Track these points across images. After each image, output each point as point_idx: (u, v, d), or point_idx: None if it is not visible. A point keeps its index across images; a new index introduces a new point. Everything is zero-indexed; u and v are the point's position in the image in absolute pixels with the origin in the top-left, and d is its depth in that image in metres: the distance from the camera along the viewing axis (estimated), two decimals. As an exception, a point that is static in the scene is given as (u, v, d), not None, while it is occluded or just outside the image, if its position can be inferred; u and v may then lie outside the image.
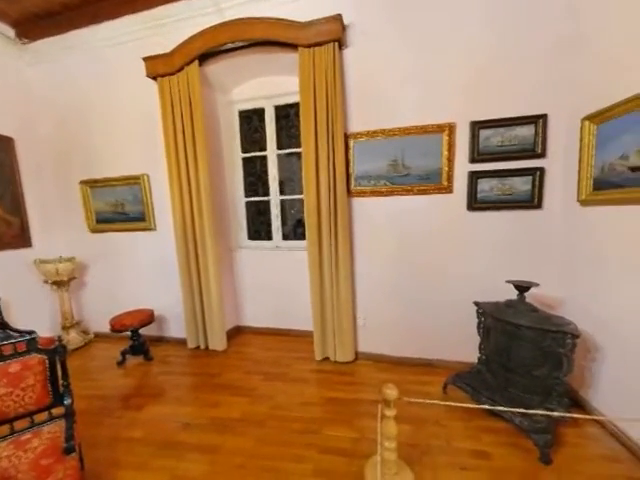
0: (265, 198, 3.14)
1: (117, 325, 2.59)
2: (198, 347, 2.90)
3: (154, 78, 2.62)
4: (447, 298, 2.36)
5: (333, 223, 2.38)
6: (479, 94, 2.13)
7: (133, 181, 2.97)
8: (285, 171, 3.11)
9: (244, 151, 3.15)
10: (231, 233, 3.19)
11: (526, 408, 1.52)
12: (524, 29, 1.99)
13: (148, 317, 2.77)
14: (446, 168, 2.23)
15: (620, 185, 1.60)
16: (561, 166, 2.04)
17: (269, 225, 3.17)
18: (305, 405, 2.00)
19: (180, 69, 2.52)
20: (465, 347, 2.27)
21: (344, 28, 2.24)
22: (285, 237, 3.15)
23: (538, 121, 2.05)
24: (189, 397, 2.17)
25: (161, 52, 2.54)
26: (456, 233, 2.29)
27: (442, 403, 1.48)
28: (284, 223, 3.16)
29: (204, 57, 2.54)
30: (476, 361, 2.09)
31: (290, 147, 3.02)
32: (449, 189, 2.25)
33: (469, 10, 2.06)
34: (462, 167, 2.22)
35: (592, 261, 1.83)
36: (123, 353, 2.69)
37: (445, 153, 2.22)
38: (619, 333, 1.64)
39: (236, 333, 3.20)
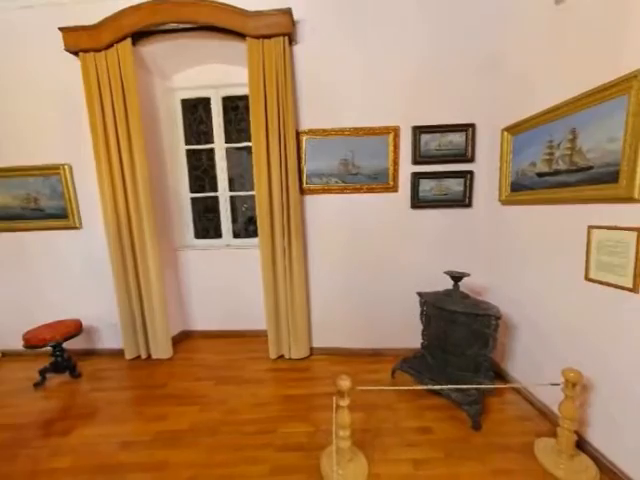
0: (213, 194, 2.97)
1: (33, 340, 2.21)
2: (138, 357, 2.63)
3: (75, 53, 2.27)
4: (394, 290, 2.53)
5: (286, 220, 2.36)
6: (419, 101, 2.30)
7: (50, 171, 2.54)
8: (235, 166, 2.98)
9: (188, 143, 2.93)
10: (175, 231, 2.95)
11: (460, 384, 1.72)
12: (457, 45, 2.21)
13: (74, 328, 2.42)
14: (392, 169, 2.38)
15: (530, 187, 1.90)
16: (487, 170, 2.33)
17: (218, 223, 3.01)
18: (260, 406, 1.97)
19: (109, 46, 2.22)
20: (411, 334, 2.46)
21: (294, 23, 2.22)
22: (236, 235, 3.03)
23: (468, 129, 2.30)
24: (129, 413, 1.96)
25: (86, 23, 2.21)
26: (401, 229, 2.46)
27: (390, 388, 1.61)
28: (235, 221, 3.03)
29: (140, 35, 2.29)
30: (419, 346, 2.29)
31: (240, 141, 2.90)
32: (395, 188, 2.41)
33: (411, 22, 2.21)
34: (406, 168, 2.39)
35: (509, 252, 2.14)
36: (42, 372, 2.31)
37: (391, 155, 2.36)
38: (527, 312, 1.96)
39: (183, 338, 2.99)
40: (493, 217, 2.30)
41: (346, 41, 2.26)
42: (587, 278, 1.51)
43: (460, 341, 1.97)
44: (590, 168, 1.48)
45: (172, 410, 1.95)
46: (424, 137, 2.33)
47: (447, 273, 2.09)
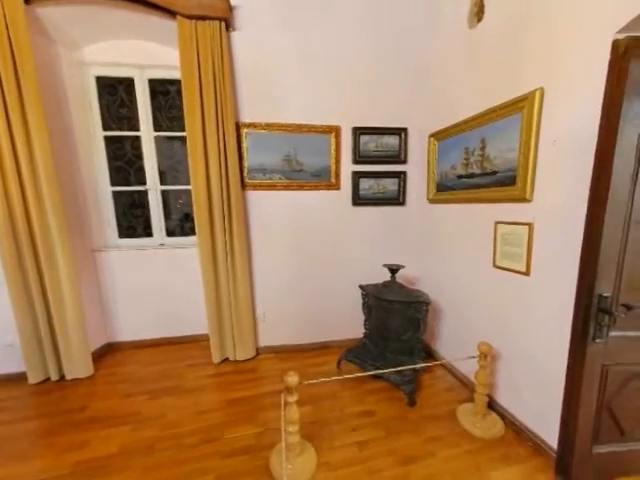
0: (141, 188, 2.65)
1: None
2: (47, 380, 2.22)
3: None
4: (339, 284, 2.63)
5: (227, 217, 2.25)
6: (359, 103, 2.41)
7: None
8: (167, 157, 2.70)
9: (108, 128, 2.55)
10: (93, 230, 2.55)
11: (398, 367, 1.88)
12: (391, 56, 2.38)
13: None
14: (334, 167, 2.45)
15: (452, 188, 2.16)
16: (418, 171, 2.57)
17: (148, 220, 2.70)
18: (203, 414, 1.85)
19: (-9, 0, 1.78)
20: (355, 325, 2.60)
21: (231, 8, 2.10)
22: (170, 233, 2.77)
23: (401, 133, 2.50)
24: (37, 447, 1.65)
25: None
26: (344, 226, 2.56)
27: (335, 379, 1.68)
28: (168, 217, 2.76)
29: (35, -7, 1.89)
30: (362, 336, 2.44)
31: (172, 130, 2.64)
32: (337, 186, 2.49)
33: (349, 29, 2.29)
34: (347, 167, 2.48)
35: (436, 245, 2.41)
36: None
37: (333, 153, 2.43)
38: (451, 296, 2.24)
39: (107, 352, 2.63)
40: (423, 214, 2.56)
41: (286, 34, 2.22)
42: (494, 265, 1.80)
43: (397, 327, 2.16)
44: (496, 173, 1.75)
45: (95, 435, 1.70)
46: (363, 138, 2.45)
47: (385, 266, 2.25)
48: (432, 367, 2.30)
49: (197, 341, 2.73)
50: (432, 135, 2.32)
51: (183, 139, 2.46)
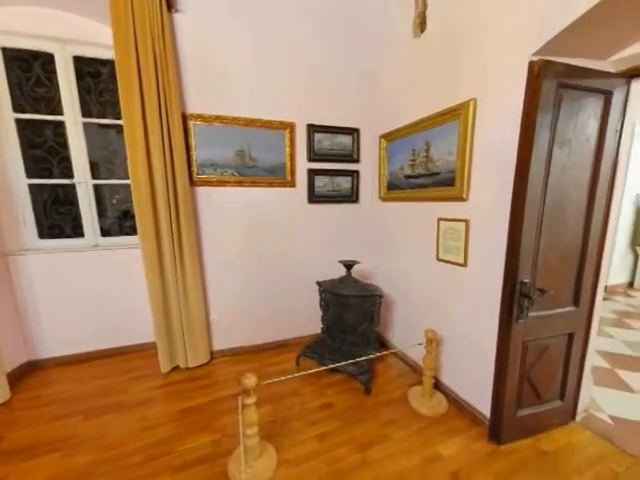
0: (67, 181, 2.31)
1: None
2: (-56, 413, 1.83)
3: None
4: (295, 281, 2.63)
5: (174, 214, 2.08)
6: (313, 101, 2.42)
7: None
8: (99, 147, 2.40)
9: (20, 110, 2.17)
10: (3, 230, 2.16)
11: (355, 358, 1.96)
12: (342, 58, 2.43)
13: None
14: (289, 164, 2.43)
15: (400, 187, 2.30)
16: (369, 170, 2.68)
17: (78, 218, 2.38)
18: (150, 429, 1.71)
19: None
20: (313, 321, 2.63)
21: (174, -12, 1.93)
22: (106, 233, 2.47)
23: (354, 133, 2.58)
24: None
25: None
26: (300, 223, 2.56)
27: (294, 376, 1.68)
28: (102, 215, 2.46)
29: None
30: (320, 331, 2.48)
31: (105, 116, 2.35)
32: (292, 183, 2.47)
33: (303, 27, 2.27)
34: (302, 164, 2.48)
35: (387, 241, 2.55)
36: None
37: (288, 150, 2.40)
38: (401, 289, 2.40)
39: (28, 372, 2.26)
40: (375, 211, 2.68)
41: (237, 24, 2.13)
42: (438, 258, 1.97)
43: (353, 321, 2.24)
44: (438, 174, 1.91)
45: (14, 469, 1.45)
46: (318, 136, 2.47)
47: (341, 262, 2.32)
48: (385, 356, 2.44)
49: (142, 350, 2.50)
50: (382, 136, 2.44)
51: (120, 128, 2.20)
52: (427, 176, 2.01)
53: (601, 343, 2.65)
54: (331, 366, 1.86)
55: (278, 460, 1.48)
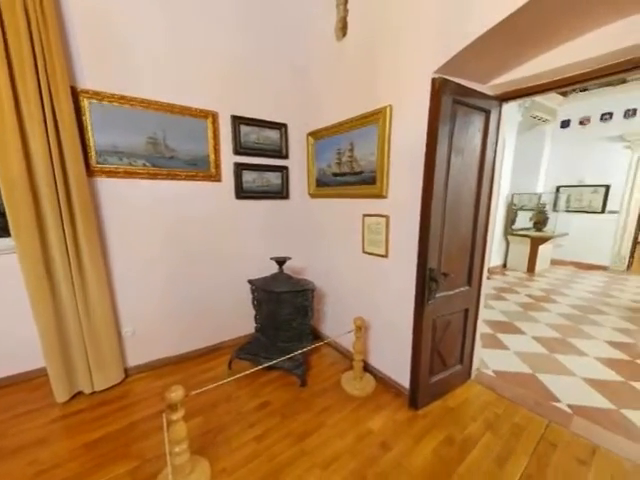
0: None
1: None
2: None
3: None
4: (225, 281, 2.48)
5: (65, 209, 1.71)
6: (237, 92, 2.30)
7: None
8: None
9: None
10: None
11: (290, 354, 1.98)
12: (269, 50, 2.37)
13: None
14: (213, 156, 2.26)
15: (328, 184, 2.39)
16: (299, 166, 2.71)
17: None
18: (45, 473, 1.40)
19: None
20: (246, 321, 2.54)
21: None
22: (-42, 236, 1.88)
23: (282, 128, 2.56)
24: None
25: None
26: (228, 220, 2.42)
27: (226, 380, 1.60)
28: (-48, 213, 1.86)
29: None
30: (254, 331, 2.41)
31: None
32: (218, 177, 2.31)
33: (226, 9, 2.12)
34: (228, 157, 2.34)
35: (317, 236, 2.64)
36: None
37: (211, 141, 2.23)
38: (332, 281, 2.52)
39: None
40: (305, 208, 2.73)
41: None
42: (364, 251, 2.13)
43: (287, 317, 2.25)
44: (362, 172, 2.05)
45: None
46: (244, 128, 2.37)
47: (273, 259, 2.29)
48: (319, 347, 2.53)
49: (29, 380, 2.01)
50: (310, 134, 2.49)
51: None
52: (352, 175, 2.14)
53: (486, 314, 3.31)
54: (265, 365, 1.84)
55: (213, 472, 1.40)
